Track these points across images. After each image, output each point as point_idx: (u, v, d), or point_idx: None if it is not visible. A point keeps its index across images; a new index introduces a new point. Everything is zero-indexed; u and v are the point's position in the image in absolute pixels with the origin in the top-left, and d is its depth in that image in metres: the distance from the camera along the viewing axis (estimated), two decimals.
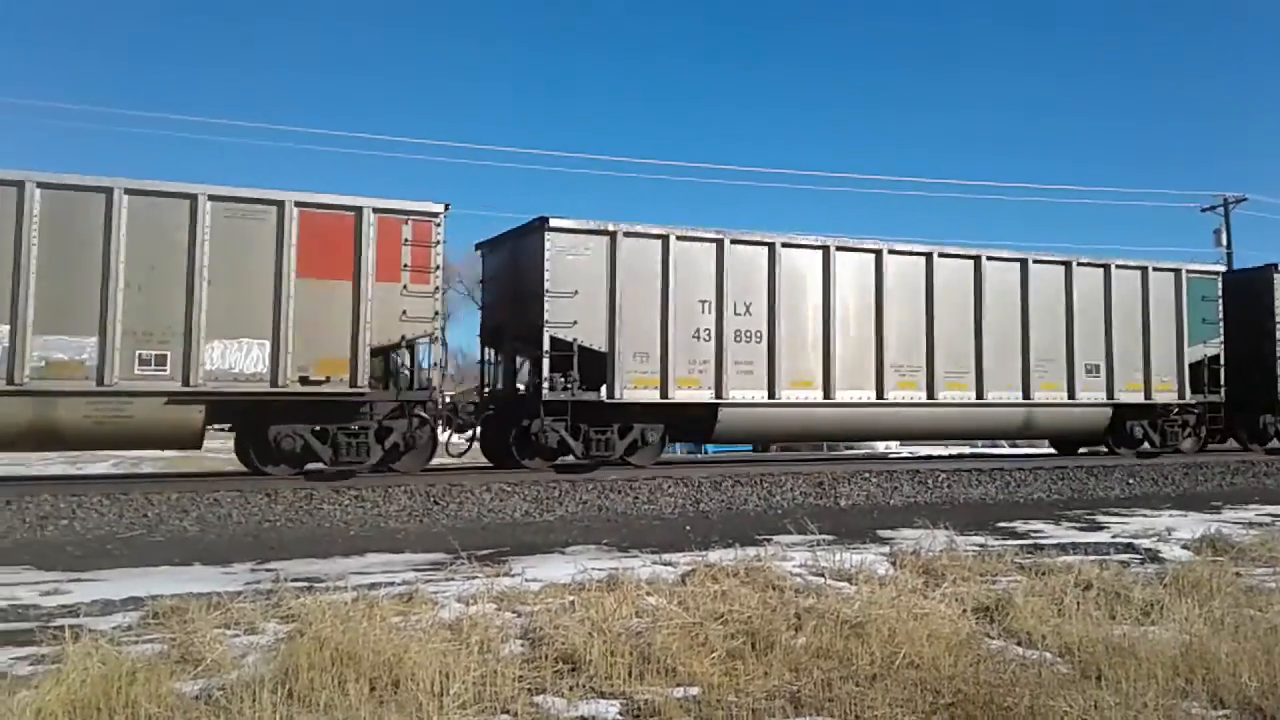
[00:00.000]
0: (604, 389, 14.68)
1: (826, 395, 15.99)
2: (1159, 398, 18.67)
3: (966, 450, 25.93)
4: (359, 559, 9.32)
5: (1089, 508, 13.76)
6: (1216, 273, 20.19)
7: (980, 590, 7.54)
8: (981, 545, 9.86)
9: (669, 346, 15.01)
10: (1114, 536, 10.82)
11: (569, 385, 14.48)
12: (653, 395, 14.94)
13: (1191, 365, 18.96)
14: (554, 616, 6.43)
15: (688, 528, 11.50)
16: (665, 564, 8.66)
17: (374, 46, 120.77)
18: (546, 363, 14.38)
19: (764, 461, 16.51)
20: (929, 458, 20.50)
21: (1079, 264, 18.29)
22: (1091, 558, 9.15)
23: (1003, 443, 28.76)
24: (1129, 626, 6.62)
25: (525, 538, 10.73)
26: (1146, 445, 18.83)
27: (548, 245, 14.44)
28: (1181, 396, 18.87)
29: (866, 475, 14.78)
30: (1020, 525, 11.86)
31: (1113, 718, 4.91)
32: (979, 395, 17.13)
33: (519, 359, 16.52)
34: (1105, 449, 19.32)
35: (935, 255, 17.16)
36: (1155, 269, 18.89)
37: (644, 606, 6.81)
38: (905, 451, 25.32)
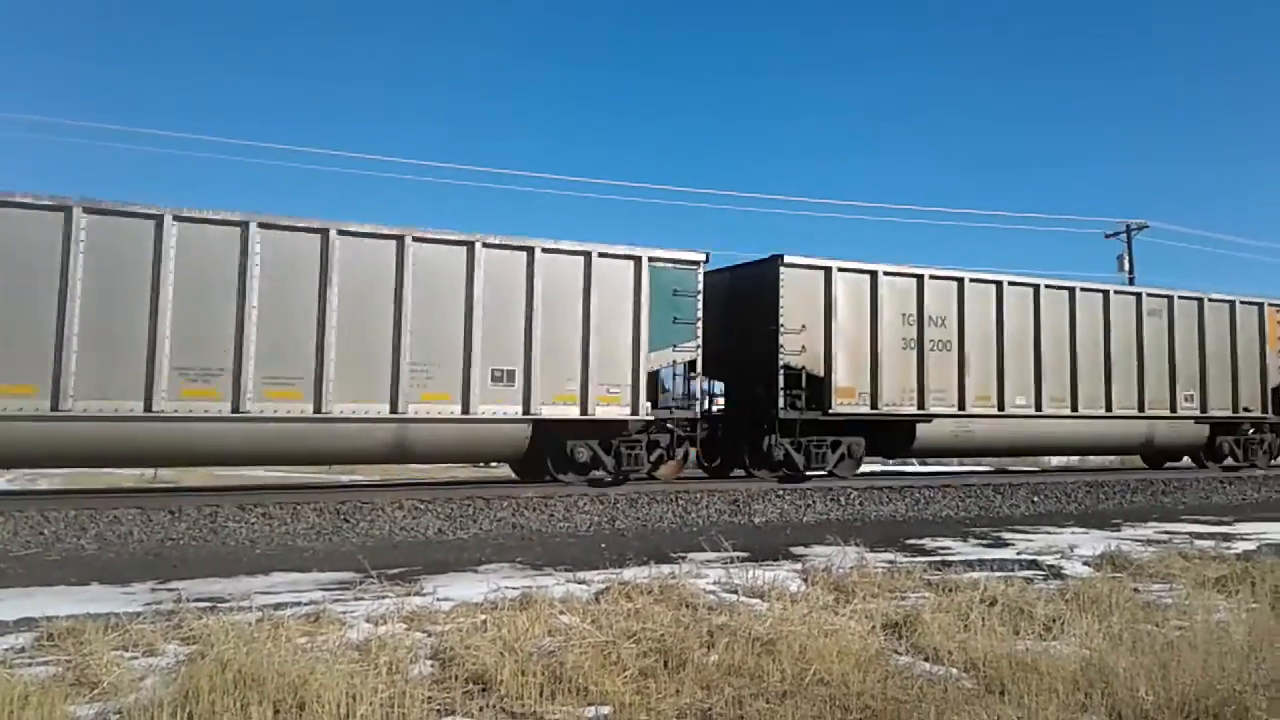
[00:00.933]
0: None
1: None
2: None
3: (878, 468, 26.29)
4: (265, 578, 9.10)
5: (995, 525, 14.05)
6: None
7: (889, 606, 7.64)
8: (891, 562, 10.00)
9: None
10: (1019, 553, 11.06)
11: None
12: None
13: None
14: (465, 636, 6.35)
15: (603, 545, 11.47)
16: (579, 582, 8.62)
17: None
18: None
19: (680, 480, 16.54)
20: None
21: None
22: (997, 574, 9.33)
23: (913, 462, 29.24)
24: (1032, 641, 6.75)
25: (438, 556, 10.59)
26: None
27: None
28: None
29: (780, 493, 14.92)
30: (929, 542, 12.06)
31: None
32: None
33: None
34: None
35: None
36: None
37: (557, 625, 6.77)
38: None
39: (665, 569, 8.84)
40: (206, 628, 6.27)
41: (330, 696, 5.00)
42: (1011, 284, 19.08)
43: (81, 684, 5.36)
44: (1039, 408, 19.10)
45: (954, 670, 6.16)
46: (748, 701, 5.28)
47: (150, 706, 4.83)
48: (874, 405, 17.36)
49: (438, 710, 5.15)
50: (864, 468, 18.93)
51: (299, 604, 7.48)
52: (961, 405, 18.21)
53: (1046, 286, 19.61)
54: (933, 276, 18.19)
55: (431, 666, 5.92)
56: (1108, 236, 44.91)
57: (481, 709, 5.19)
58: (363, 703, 4.99)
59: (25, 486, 20.36)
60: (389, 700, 5.09)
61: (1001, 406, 18.67)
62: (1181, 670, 5.73)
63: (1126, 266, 43.18)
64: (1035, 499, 16.57)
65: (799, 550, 11.01)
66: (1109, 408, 19.99)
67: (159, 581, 8.84)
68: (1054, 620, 7.34)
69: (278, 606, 7.25)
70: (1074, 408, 19.54)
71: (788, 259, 16.73)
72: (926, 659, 6.44)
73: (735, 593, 8.05)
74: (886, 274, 17.71)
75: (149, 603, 7.64)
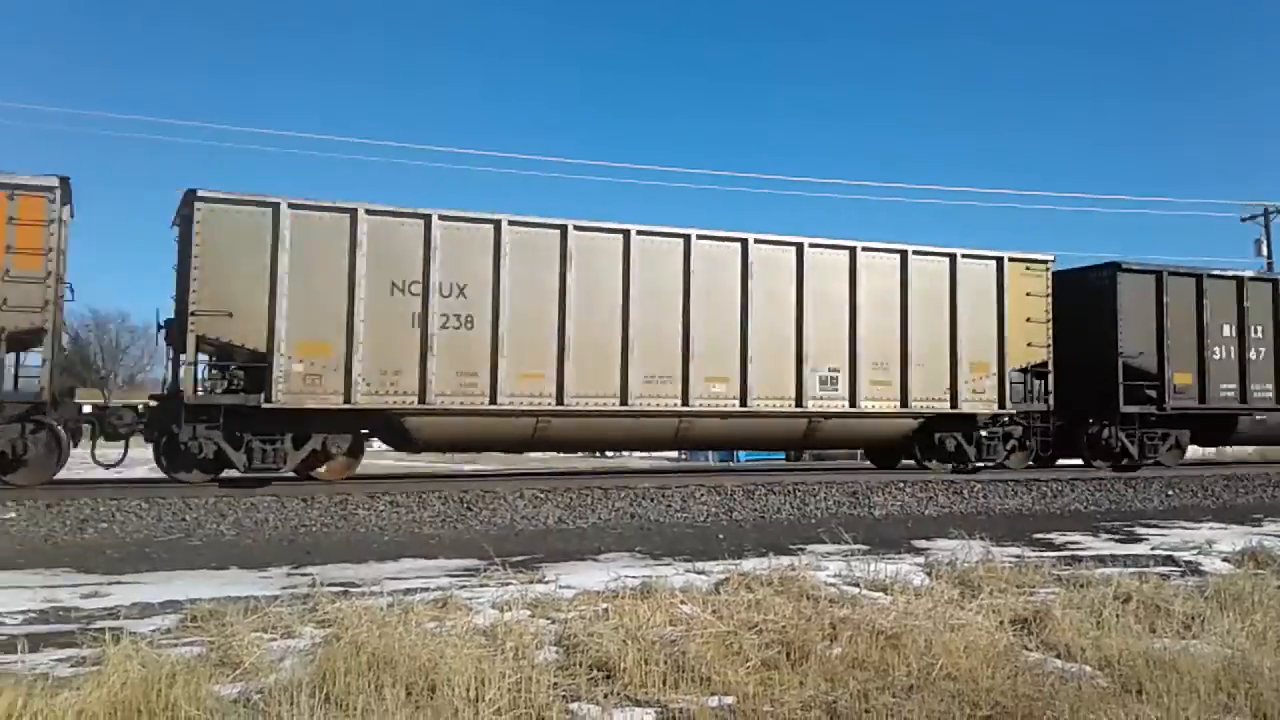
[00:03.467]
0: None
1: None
2: None
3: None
4: (394, 564, 9.38)
5: (1127, 519, 13.60)
6: None
7: (1017, 602, 7.46)
8: (1018, 557, 9.76)
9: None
10: (1153, 549, 10.69)
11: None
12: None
13: None
14: (588, 624, 6.43)
15: (720, 536, 11.48)
16: (698, 572, 8.64)
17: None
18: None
19: (797, 471, 16.43)
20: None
21: None
22: (1130, 570, 9.02)
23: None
24: (1169, 640, 6.51)
25: (558, 544, 10.75)
26: None
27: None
28: None
29: (901, 485, 14.69)
30: (1057, 537, 11.73)
31: None
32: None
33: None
34: None
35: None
36: None
37: (678, 615, 6.79)
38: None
39: (784, 560, 8.80)
40: (340, 611, 6.48)
41: (460, 680, 5.11)
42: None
43: (224, 664, 5.59)
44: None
45: (1087, 668, 5.98)
46: (873, 695, 5.21)
47: (289, 687, 5.00)
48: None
49: (563, 696, 5.21)
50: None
51: (427, 589, 7.69)
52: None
53: None
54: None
55: (556, 653, 6.01)
56: (1244, 220, 42.94)
57: (606, 696, 5.24)
58: (491, 686, 5.08)
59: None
60: (516, 685, 5.18)
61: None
62: None
63: (1265, 251, 41.12)
64: (1169, 493, 15.96)
65: (921, 544, 10.83)
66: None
67: (294, 566, 9.18)
68: (1193, 618, 7.07)
69: (407, 592, 7.47)
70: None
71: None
72: (1058, 656, 6.26)
73: (857, 586, 7.96)
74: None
75: (285, 587, 7.94)
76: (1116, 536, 11.82)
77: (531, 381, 13.94)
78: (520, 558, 9.41)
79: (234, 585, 8.06)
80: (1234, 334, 18.91)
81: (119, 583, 8.28)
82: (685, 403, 14.74)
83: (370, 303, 13.19)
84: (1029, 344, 17.24)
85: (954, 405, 16.56)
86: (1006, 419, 17.16)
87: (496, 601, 7.16)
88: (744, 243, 15.30)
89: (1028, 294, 17.26)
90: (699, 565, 9.04)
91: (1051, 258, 17.68)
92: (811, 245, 15.77)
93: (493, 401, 13.68)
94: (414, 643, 5.65)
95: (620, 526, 12.34)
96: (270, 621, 6.49)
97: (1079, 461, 18.63)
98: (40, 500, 11.06)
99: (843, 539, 9.84)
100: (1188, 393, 18.46)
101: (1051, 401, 17.49)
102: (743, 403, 15.16)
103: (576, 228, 14.32)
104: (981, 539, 10.51)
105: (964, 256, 16.81)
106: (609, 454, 26.34)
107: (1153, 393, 18.08)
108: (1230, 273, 19.45)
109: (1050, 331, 17.41)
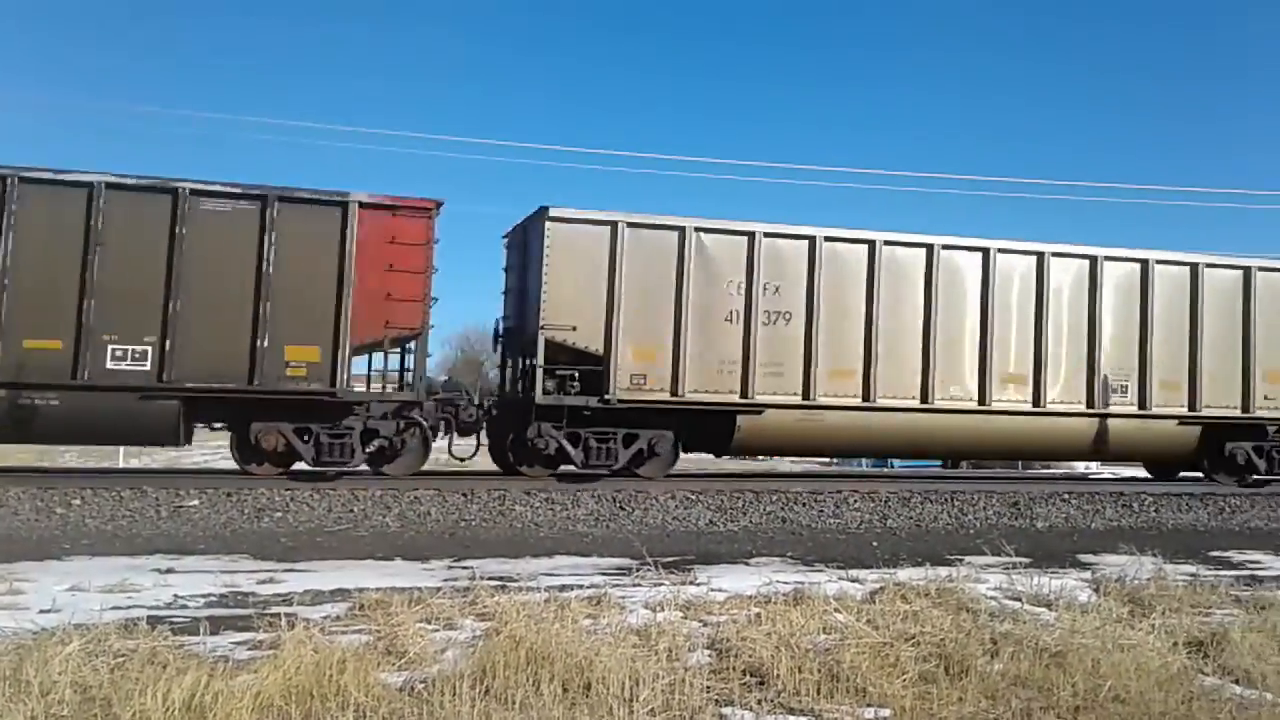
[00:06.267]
0: None
1: None
2: None
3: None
4: (548, 560, 9.57)
5: None
6: None
7: (1192, 623, 7.09)
8: (1193, 575, 9.29)
9: None
10: None
11: None
12: None
13: None
14: (740, 628, 6.42)
15: (874, 543, 11.30)
16: (851, 580, 8.53)
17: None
18: None
19: (954, 479, 16.03)
20: (1132, 479, 19.45)
21: None
22: None
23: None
24: None
25: (709, 546, 10.77)
26: None
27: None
28: None
29: (1065, 496, 14.17)
30: (1235, 555, 11.12)
31: None
32: None
33: None
34: None
35: None
36: None
37: (831, 623, 6.72)
38: (1106, 473, 24.08)
39: (942, 571, 8.59)
40: (499, 605, 6.65)
41: (614, 679, 5.18)
42: None
43: (390, 653, 5.80)
44: None
45: (1269, 695, 5.65)
46: (1037, 715, 5.06)
47: (452, 678, 5.16)
48: None
49: (716, 700, 5.23)
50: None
51: (581, 587, 7.83)
52: None
53: None
54: None
55: (708, 656, 6.02)
56: None
57: (760, 702, 5.23)
58: (645, 687, 5.13)
59: None
60: (669, 687, 5.22)
61: None
62: None
63: None
64: None
65: (1087, 558, 10.42)
66: None
67: (454, 560, 9.47)
68: None
69: (562, 588, 7.62)
70: None
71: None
72: (1237, 681, 5.94)
73: (1018, 600, 7.70)
74: None
75: (446, 579, 8.20)
76: None
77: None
78: (671, 559, 9.45)
79: (398, 576, 8.37)
80: None
81: (292, 570, 8.71)
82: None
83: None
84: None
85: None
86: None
87: (649, 602, 7.23)
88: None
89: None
90: (852, 573, 8.92)
91: None
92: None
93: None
94: (570, 639, 5.76)
95: (771, 530, 12.28)
96: (433, 612, 6.72)
97: None
98: (221, 489, 11.72)
99: (1003, 551, 9.53)
100: None
101: None
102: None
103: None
104: (1153, 555, 10.03)
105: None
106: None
107: None
108: None
109: None
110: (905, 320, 15.20)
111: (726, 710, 5.12)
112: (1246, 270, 16.97)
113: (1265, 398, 16.57)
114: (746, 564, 9.65)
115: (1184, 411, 16.28)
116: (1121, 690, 5.42)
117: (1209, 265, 16.73)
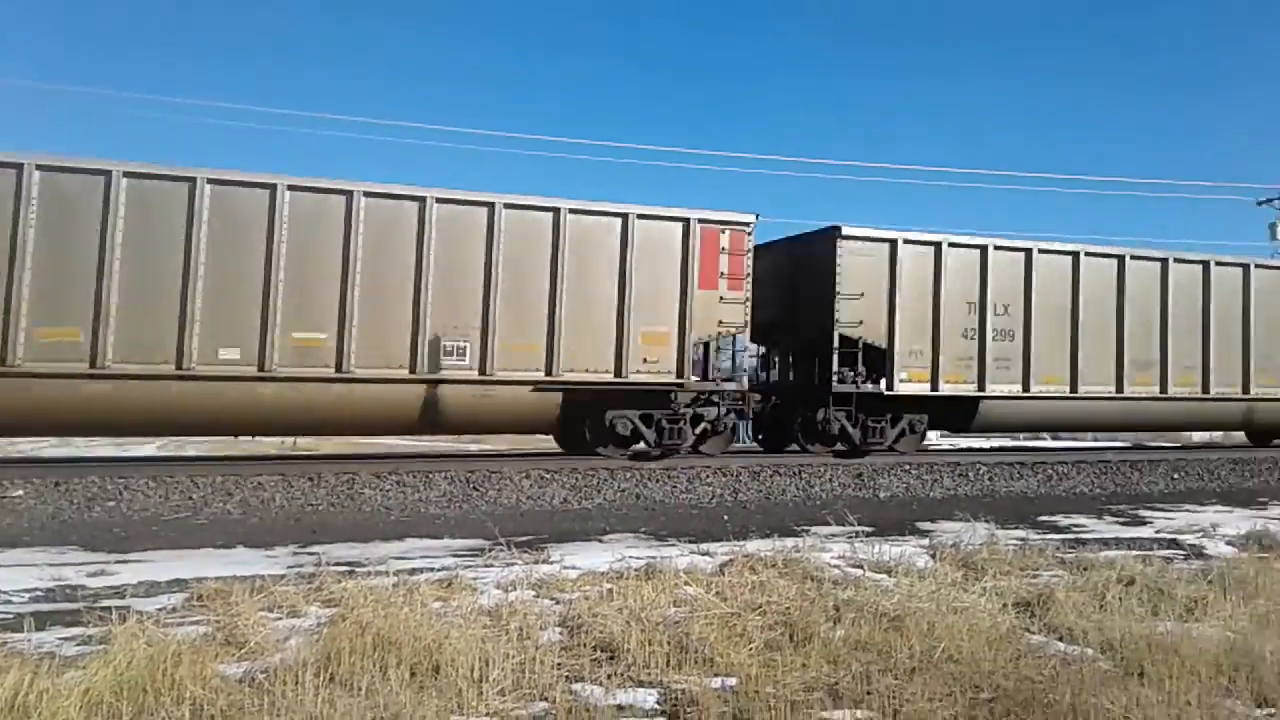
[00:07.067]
0: None
1: None
2: None
3: (1008, 443, 25.69)
4: (399, 544, 9.41)
5: (1132, 503, 13.60)
6: None
7: (1021, 585, 7.48)
8: (1022, 539, 9.77)
9: None
10: (1157, 532, 10.70)
11: None
12: None
13: None
14: (592, 605, 6.46)
15: (725, 517, 11.50)
16: (703, 554, 8.66)
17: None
18: None
19: (803, 453, 16.44)
20: (969, 450, 20.34)
21: None
22: (1134, 553, 9.03)
23: (1045, 436, 28.50)
24: (1172, 623, 6.51)
25: (564, 525, 10.78)
26: None
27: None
28: None
29: (906, 467, 14.71)
30: (1062, 520, 11.74)
31: (1156, 715, 4.84)
32: None
33: None
34: None
35: None
36: None
37: (682, 596, 6.82)
38: (945, 444, 25.13)
39: (789, 542, 8.81)
40: (346, 591, 6.51)
41: (464, 661, 5.14)
42: None
43: (230, 644, 5.62)
44: None
45: (1089, 650, 5.99)
46: (875, 677, 5.23)
47: (295, 666, 5.03)
48: None
49: (567, 677, 5.24)
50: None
51: (432, 569, 7.73)
52: None
53: None
54: None
55: (560, 633, 6.04)
56: (1260, 204, 42.82)
57: (609, 676, 5.26)
58: (495, 667, 5.12)
59: (173, 453, 21.40)
60: (520, 665, 5.22)
61: None
62: None
63: None
64: (1175, 476, 15.96)
65: (926, 526, 10.85)
66: None
67: (300, 546, 9.22)
68: (1196, 602, 7.07)
69: (412, 572, 7.50)
70: None
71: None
72: (1060, 639, 6.28)
73: (860, 568, 7.98)
74: None
75: (291, 566, 7.97)
76: (1121, 519, 11.83)
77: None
78: (525, 538, 9.42)
79: (240, 564, 8.09)
80: None
81: (125, 561, 8.33)
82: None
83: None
84: None
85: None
86: None
87: (501, 582, 7.20)
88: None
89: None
90: (704, 546, 9.06)
91: None
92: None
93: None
94: (419, 623, 5.69)
95: (626, 507, 12.37)
96: (276, 601, 6.54)
97: None
98: (48, 478, 11.11)
99: (847, 521, 9.84)
100: None
101: None
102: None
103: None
104: (986, 521, 10.52)
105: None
106: None
107: None
108: None
109: None
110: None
111: (576, 686, 5.14)
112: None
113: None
114: (600, 541, 9.69)
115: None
116: (955, 651, 5.67)
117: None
